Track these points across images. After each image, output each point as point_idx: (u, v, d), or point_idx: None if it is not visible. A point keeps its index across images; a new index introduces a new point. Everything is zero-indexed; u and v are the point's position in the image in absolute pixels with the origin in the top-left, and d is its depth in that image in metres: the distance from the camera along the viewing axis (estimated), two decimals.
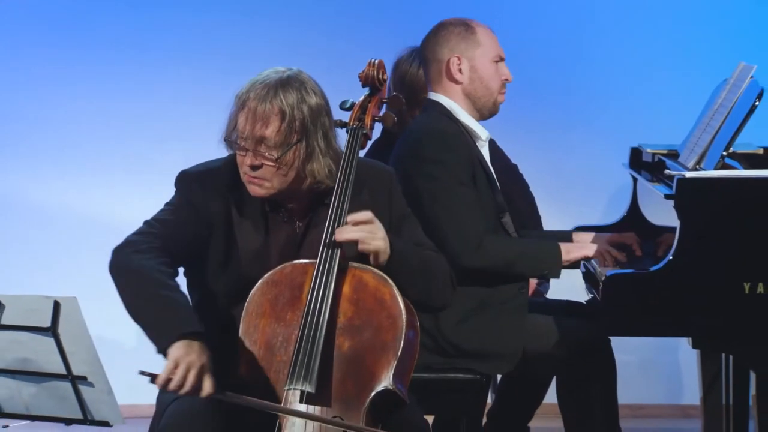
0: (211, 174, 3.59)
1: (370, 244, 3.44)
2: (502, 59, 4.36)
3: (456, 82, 4.32)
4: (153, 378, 3.19)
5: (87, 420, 3.11)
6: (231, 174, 3.56)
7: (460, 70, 4.31)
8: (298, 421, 3.30)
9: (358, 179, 3.52)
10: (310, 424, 3.30)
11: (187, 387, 3.21)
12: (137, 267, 3.34)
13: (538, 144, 6.10)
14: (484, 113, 4.37)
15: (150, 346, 3.24)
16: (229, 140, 3.50)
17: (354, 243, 3.42)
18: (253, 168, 3.47)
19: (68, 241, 6.16)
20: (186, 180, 3.59)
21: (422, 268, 3.56)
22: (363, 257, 3.48)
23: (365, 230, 3.43)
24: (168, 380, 3.20)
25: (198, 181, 3.58)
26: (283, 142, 3.45)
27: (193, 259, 3.55)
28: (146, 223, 3.52)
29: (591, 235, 4.56)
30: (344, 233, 3.42)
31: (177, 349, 3.22)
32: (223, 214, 3.55)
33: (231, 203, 3.56)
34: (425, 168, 4.21)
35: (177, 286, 3.38)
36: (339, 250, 3.41)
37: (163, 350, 3.23)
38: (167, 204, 3.58)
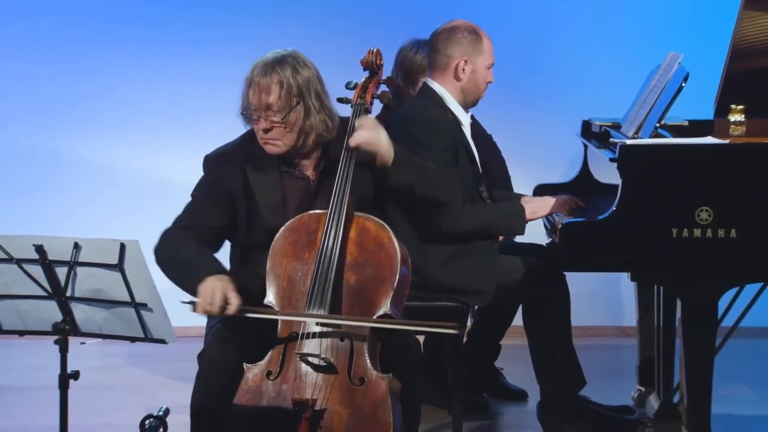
0: (226, 152, 3.60)
1: (374, 144, 3.47)
2: (492, 65, 4.33)
3: (458, 79, 4.29)
4: (193, 305, 3.28)
5: (147, 338, 3.10)
6: (246, 147, 3.57)
7: (464, 71, 4.28)
8: (312, 329, 3.32)
9: None
10: (324, 332, 3.31)
11: (216, 305, 3.25)
12: (168, 245, 3.44)
13: (507, 118, 6.06)
14: (468, 104, 4.36)
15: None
16: (244, 113, 3.51)
17: (365, 152, 3.48)
18: (266, 131, 3.48)
19: (134, 197, 6.13)
20: (207, 162, 3.61)
21: (427, 172, 3.64)
22: (365, 204, 3.49)
23: (370, 133, 3.48)
24: (203, 305, 3.27)
25: (216, 161, 3.59)
26: (285, 105, 3.46)
27: (224, 222, 3.55)
28: (188, 203, 3.56)
29: (537, 199, 4.54)
30: (355, 140, 3.45)
31: (203, 284, 3.28)
32: (241, 181, 3.54)
33: (247, 170, 3.55)
34: (416, 150, 4.15)
35: (197, 244, 3.42)
36: (347, 202, 3.40)
37: (195, 292, 3.29)
38: (197, 184, 3.60)
